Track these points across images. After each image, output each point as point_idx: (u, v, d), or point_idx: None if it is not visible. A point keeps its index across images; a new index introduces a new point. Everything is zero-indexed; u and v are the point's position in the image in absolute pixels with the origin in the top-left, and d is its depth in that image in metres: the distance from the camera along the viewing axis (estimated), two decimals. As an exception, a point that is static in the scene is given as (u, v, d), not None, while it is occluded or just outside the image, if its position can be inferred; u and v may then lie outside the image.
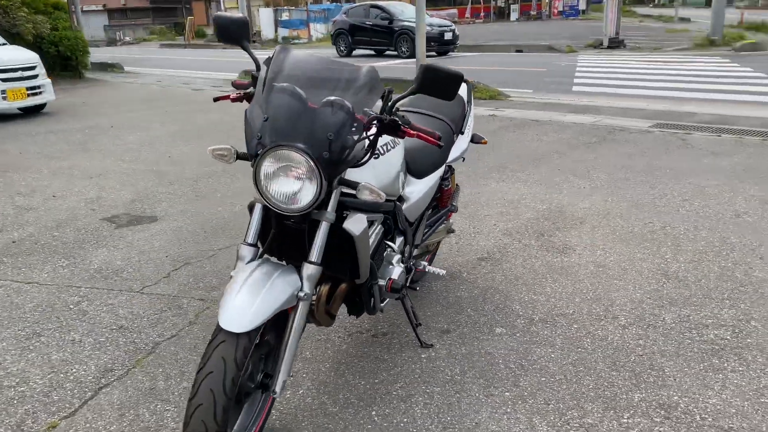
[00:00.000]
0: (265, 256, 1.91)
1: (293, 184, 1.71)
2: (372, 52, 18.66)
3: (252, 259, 1.83)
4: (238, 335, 1.62)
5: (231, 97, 2.02)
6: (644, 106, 8.03)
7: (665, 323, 2.66)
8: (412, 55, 16.90)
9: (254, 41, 24.63)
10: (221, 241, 3.76)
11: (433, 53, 16.55)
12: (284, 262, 1.89)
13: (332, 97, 1.72)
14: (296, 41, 26.07)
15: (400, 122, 1.82)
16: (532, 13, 38.17)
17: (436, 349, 2.52)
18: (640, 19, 35.71)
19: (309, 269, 1.81)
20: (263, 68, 1.81)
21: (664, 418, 2.06)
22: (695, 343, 2.50)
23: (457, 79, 1.81)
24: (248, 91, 1.99)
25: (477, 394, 2.22)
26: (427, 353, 2.50)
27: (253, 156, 1.72)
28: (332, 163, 1.70)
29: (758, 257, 3.29)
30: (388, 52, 18.02)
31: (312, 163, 1.67)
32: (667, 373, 2.31)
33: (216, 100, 2.12)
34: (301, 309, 1.80)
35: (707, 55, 14.34)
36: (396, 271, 2.24)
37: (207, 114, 8.56)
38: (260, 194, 1.75)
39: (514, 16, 38.62)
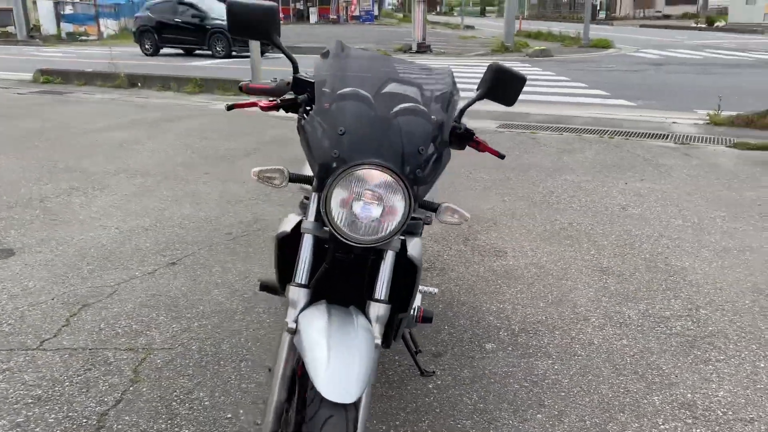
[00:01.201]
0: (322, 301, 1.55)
1: (376, 210, 1.39)
2: (181, 51, 17.48)
3: (306, 304, 1.47)
4: (346, 407, 1.28)
5: (261, 105, 1.60)
6: (481, 108, 8.47)
7: (632, 320, 2.74)
8: (228, 55, 16.20)
9: (33, 36, 21.68)
10: (115, 274, 3.13)
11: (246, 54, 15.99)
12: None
13: (410, 104, 1.44)
14: (84, 38, 23.48)
15: (474, 133, 1.59)
16: (332, 16, 38.87)
17: (438, 376, 2.31)
18: (432, 25, 38.18)
19: (378, 309, 1.50)
20: (319, 69, 1.47)
21: (693, 418, 2.09)
22: (670, 337, 2.60)
23: (522, 81, 1.64)
24: (296, 98, 1.59)
25: (511, 421, 2.06)
26: (432, 382, 2.27)
27: (323, 178, 1.38)
28: (422, 181, 1.42)
29: (666, 247, 3.57)
30: (199, 52, 16.99)
31: (402, 183, 1.37)
32: (666, 370, 2.36)
33: (231, 108, 1.67)
34: (376, 359, 1.49)
35: (508, 60, 15.72)
36: (419, 299, 1.99)
37: (13, 120, 7.26)
38: (329, 222, 1.40)
39: (313, 18, 39.02)
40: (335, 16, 38.62)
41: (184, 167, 5.22)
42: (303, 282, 1.49)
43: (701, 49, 19.17)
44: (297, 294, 1.48)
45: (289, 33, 25.33)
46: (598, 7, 45.22)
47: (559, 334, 2.62)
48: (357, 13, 40.07)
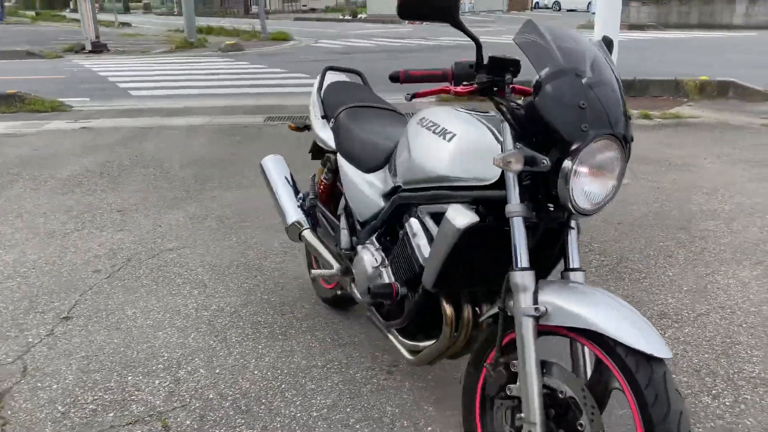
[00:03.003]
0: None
1: (609, 180, 1.45)
2: None
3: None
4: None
5: (456, 90, 1.46)
6: (224, 104, 8.22)
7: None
8: None
9: None
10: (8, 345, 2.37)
11: None
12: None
13: (615, 73, 1.50)
14: None
15: None
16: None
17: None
18: (79, 24, 34.53)
19: (577, 276, 1.57)
20: (544, 46, 1.43)
21: None
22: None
23: None
24: (494, 79, 1.51)
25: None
26: (432, 372, 2.31)
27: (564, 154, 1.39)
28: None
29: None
30: None
31: (626, 151, 1.46)
32: None
33: (412, 97, 1.46)
34: None
35: (201, 55, 15.31)
36: None
37: None
38: (569, 196, 1.41)
39: None
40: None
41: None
42: (526, 265, 1.47)
43: (369, 38, 21.38)
44: (524, 278, 1.46)
45: None
46: (250, 2, 46.44)
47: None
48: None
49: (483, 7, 41.07)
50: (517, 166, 1.42)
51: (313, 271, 2.41)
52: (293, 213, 2.57)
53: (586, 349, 1.52)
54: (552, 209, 1.55)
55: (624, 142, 1.43)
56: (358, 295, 2.22)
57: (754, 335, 2.50)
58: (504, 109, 1.52)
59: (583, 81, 1.41)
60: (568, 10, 39.12)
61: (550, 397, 1.46)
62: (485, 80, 1.54)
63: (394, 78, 1.65)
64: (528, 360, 1.44)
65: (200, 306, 2.83)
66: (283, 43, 19.43)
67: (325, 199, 2.64)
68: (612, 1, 6.29)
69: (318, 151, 2.81)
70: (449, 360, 2.00)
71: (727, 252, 3.31)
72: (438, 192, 1.71)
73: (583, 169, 1.41)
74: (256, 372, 2.32)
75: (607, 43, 1.65)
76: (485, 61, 1.56)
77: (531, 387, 1.44)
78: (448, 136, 1.69)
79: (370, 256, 2.03)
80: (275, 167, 2.78)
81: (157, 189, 4.58)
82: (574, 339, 1.46)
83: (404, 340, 2.00)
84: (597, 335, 1.37)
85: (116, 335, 2.58)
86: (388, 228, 2.06)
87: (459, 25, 1.53)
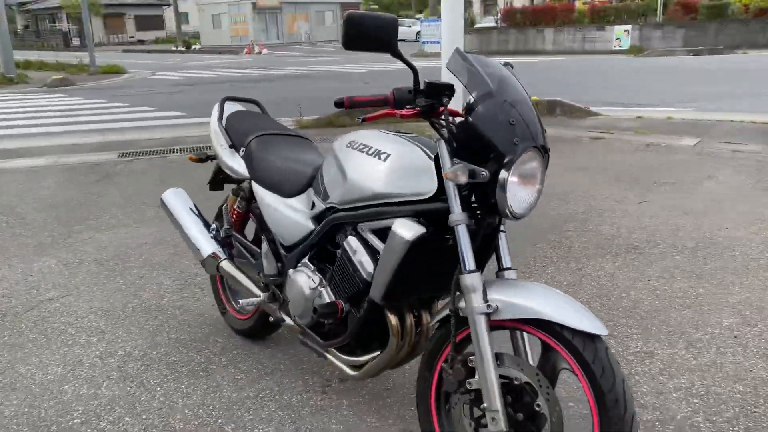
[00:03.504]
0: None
1: (536, 186, 1.65)
2: None
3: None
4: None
5: (401, 113, 1.53)
6: (67, 142, 7.67)
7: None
8: None
9: None
10: None
11: None
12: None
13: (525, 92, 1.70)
14: None
15: None
16: None
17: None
18: None
19: (512, 274, 1.75)
20: (473, 71, 1.59)
21: None
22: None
23: None
24: (432, 103, 1.62)
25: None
26: (365, 386, 2.41)
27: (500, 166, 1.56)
28: None
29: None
30: None
31: (546, 159, 1.67)
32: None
33: (363, 121, 1.52)
34: None
35: (23, 92, 14.09)
36: None
37: None
38: (505, 204, 1.59)
39: None
40: None
41: None
42: (473, 267, 1.62)
43: (209, 69, 20.95)
44: (473, 279, 1.60)
45: None
46: (70, 34, 43.47)
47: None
48: None
49: (319, 38, 42.01)
50: (464, 179, 1.58)
51: (241, 300, 2.38)
52: (208, 245, 2.53)
53: (527, 338, 1.70)
54: (485, 216, 1.72)
55: (544, 152, 1.64)
56: (289, 320, 2.25)
57: (630, 316, 2.88)
58: (442, 128, 1.68)
59: (508, 101, 1.61)
60: (399, 40, 41.17)
61: (506, 385, 1.61)
62: (425, 104, 1.68)
63: (339, 104, 1.74)
64: (485, 354, 1.58)
65: (104, 353, 2.65)
66: (117, 77, 18.49)
67: (240, 228, 2.62)
68: (454, 35, 6.84)
69: (218, 182, 2.79)
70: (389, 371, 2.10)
71: (590, 248, 3.75)
72: (379, 209, 1.81)
73: (515, 179, 1.60)
74: (186, 411, 2.24)
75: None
76: (422, 86, 1.70)
77: (490, 378, 1.58)
78: (383, 156, 1.81)
79: (305, 278, 2.07)
80: (178, 201, 2.71)
81: (15, 237, 4.18)
82: (522, 329, 1.63)
83: (345, 357, 2.06)
84: (544, 323, 1.54)
85: (14, 396, 2.35)
86: (319, 249, 2.12)
87: (398, 55, 1.67)
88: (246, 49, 32.39)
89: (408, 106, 1.70)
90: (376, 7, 64.61)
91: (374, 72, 18.00)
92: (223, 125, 2.62)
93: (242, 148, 2.48)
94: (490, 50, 25.82)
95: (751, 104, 9.40)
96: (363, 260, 1.87)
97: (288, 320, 2.25)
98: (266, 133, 2.50)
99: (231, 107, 2.74)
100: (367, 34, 1.61)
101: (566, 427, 1.59)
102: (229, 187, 2.77)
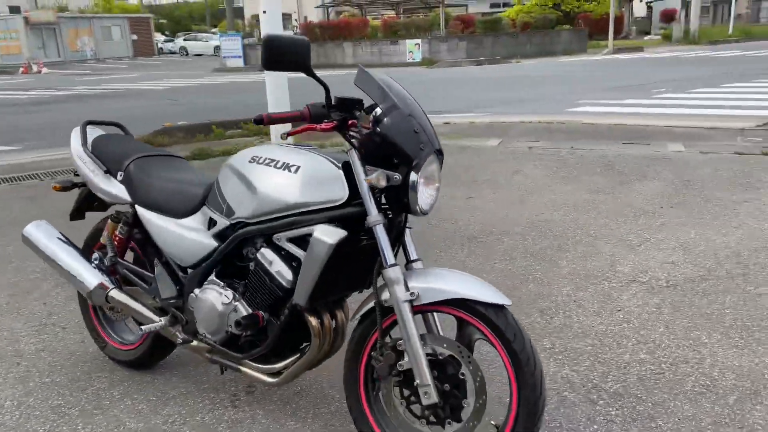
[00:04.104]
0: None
1: (435, 185, 1.88)
2: None
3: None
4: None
5: (321, 127, 1.64)
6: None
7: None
8: None
9: None
10: None
11: None
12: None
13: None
14: None
15: None
16: None
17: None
18: None
19: (419, 264, 1.97)
20: (379, 87, 1.76)
21: None
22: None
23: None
24: (346, 117, 1.75)
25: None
26: (275, 393, 2.52)
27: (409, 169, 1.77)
28: None
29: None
30: None
31: (441, 163, 1.91)
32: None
33: (286, 136, 1.60)
34: None
35: None
36: None
37: None
38: (416, 203, 1.80)
39: None
40: None
41: None
42: (393, 262, 1.81)
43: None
44: (395, 272, 1.80)
45: None
46: None
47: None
48: None
49: (106, 54, 39.18)
50: (383, 182, 1.77)
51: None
52: (92, 276, 2.41)
53: (437, 318, 1.94)
54: (395, 216, 1.92)
55: (439, 155, 1.89)
56: (194, 341, 2.24)
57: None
58: (353, 139, 1.85)
59: (410, 112, 1.83)
60: (195, 55, 40.01)
61: (432, 361, 1.83)
62: (339, 117, 1.84)
63: (258, 121, 1.83)
64: (412, 336, 1.79)
65: (-30, 411, 2.39)
66: None
67: (123, 255, 2.53)
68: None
69: (82, 211, 2.67)
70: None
71: (440, 241, 4.14)
72: (295, 219, 1.92)
73: (422, 179, 1.83)
74: (93, 451, 2.13)
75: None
76: (333, 102, 1.86)
77: (419, 357, 1.79)
78: (293, 169, 1.93)
79: (216, 295, 2.10)
80: (45, 234, 2.54)
81: None
82: (439, 311, 1.86)
83: (262, 366, 2.13)
84: (458, 301, 1.79)
85: None
86: (225, 265, 2.16)
87: (311, 73, 1.81)
88: (22, 68, 29.20)
89: (326, 121, 1.84)
90: (165, 21, 61.94)
91: (177, 88, 17.38)
92: (89, 151, 2.52)
93: (119, 173, 2.41)
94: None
95: (534, 107, 10.78)
96: (281, 269, 1.97)
97: (194, 339, 2.25)
98: (143, 156, 2.45)
99: (91, 132, 2.63)
100: (284, 56, 1.73)
101: (488, 388, 1.84)
102: (91, 216, 2.67)
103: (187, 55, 41.29)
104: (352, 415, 2.01)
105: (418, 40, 25.15)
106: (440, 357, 1.83)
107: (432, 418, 1.85)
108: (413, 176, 1.79)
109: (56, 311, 3.28)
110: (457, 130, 8.69)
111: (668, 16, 38.30)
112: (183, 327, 2.29)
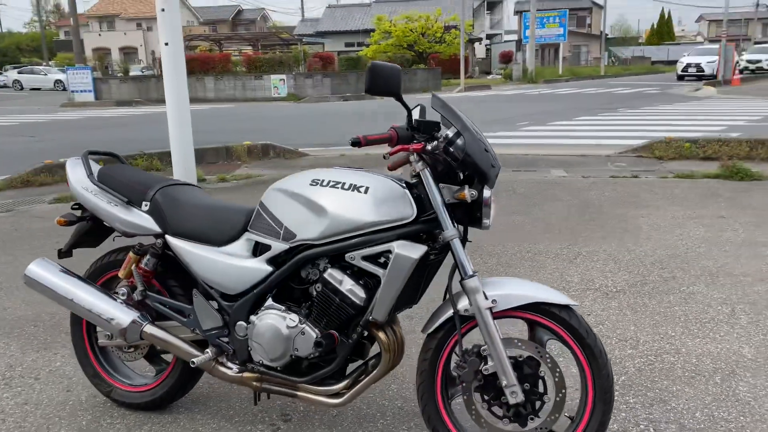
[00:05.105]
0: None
1: (496, 204, 2.04)
2: None
3: None
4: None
5: (413, 147, 1.75)
6: None
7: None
8: None
9: None
10: None
11: None
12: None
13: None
14: None
15: None
16: None
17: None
18: None
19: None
20: (449, 113, 1.91)
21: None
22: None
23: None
24: (432, 135, 1.91)
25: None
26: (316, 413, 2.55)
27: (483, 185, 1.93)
28: None
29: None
30: None
31: None
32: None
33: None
34: None
35: None
36: None
37: None
38: (487, 216, 1.95)
39: None
40: None
41: None
42: (471, 272, 1.94)
43: None
44: (475, 282, 1.94)
45: None
46: None
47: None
48: None
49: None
50: (470, 198, 1.90)
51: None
52: (123, 313, 2.25)
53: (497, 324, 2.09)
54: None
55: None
56: (241, 371, 2.19)
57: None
58: (428, 157, 1.96)
59: (477, 135, 1.99)
60: (32, 89, 36.86)
61: (514, 363, 1.97)
62: (424, 138, 1.96)
63: (356, 143, 1.89)
64: (495, 341, 1.93)
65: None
66: None
67: (161, 287, 2.38)
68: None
69: (76, 246, 2.51)
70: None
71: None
72: (368, 237, 1.99)
73: (493, 195, 1.99)
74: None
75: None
76: (414, 124, 1.97)
77: (503, 360, 1.93)
78: (362, 189, 2.01)
79: (279, 320, 2.08)
80: (52, 273, 2.35)
81: None
82: (513, 316, 2.01)
83: (320, 388, 2.13)
84: (532, 305, 1.96)
85: None
86: (281, 289, 2.15)
87: (401, 99, 1.92)
88: None
89: (415, 141, 1.95)
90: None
91: (30, 124, 15.96)
92: (97, 181, 2.38)
93: (144, 203, 2.31)
94: (151, 98, 25.12)
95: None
96: (352, 287, 2.02)
97: (241, 371, 2.19)
98: (167, 185, 2.37)
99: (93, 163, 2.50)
100: (384, 82, 1.83)
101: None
102: (78, 253, 2.52)
103: (21, 89, 37.85)
104: (429, 425, 2.08)
105: (283, 76, 25.28)
106: (519, 358, 1.98)
107: (514, 417, 1.98)
108: (487, 192, 1.95)
109: (15, 363, 2.96)
110: (354, 161, 8.88)
111: (507, 57, 41.98)
112: (228, 357, 2.23)
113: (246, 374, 2.20)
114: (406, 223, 1.98)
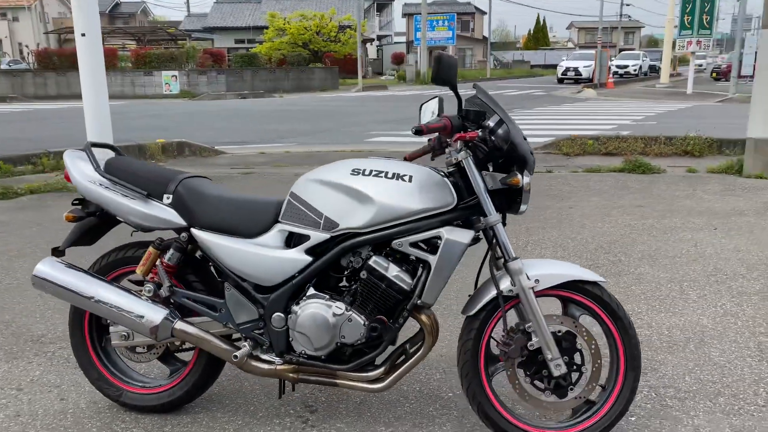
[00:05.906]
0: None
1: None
2: None
3: None
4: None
5: (470, 135, 1.79)
6: None
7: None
8: None
9: None
10: None
11: None
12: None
13: None
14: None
15: None
16: None
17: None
18: None
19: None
20: (491, 102, 2.00)
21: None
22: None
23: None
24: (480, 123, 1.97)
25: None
26: (343, 401, 2.57)
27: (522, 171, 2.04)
28: None
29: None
30: None
31: None
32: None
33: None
34: None
35: None
36: None
37: None
38: (526, 201, 2.07)
39: None
40: None
41: None
42: (514, 255, 2.06)
43: None
44: (519, 264, 2.06)
45: None
46: None
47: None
48: None
49: None
50: (522, 182, 2.01)
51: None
52: (152, 311, 2.14)
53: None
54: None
55: None
56: (279, 363, 2.17)
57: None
58: (474, 145, 2.05)
59: (515, 124, 2.11)
60: None
61: (554, 338, 2.10)
62: (475, 126, 2.04)
63: (419, 131, 1.93)
64: (539, 318, 2.05)
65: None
66: None
67: (177, 283, 2.27)
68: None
69: (76, 243, 2.37)
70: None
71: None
72: (413, 225, 2.04)
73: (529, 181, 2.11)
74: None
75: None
76: (463, 113, 2.06)
77: (548, 335, 2.06)
78: (406, 178, 2.06)
79: (325, 308, 2.08)
80: (65, 272, 2.19)
81: None
82: (551, 294, 2.14)
83: (360, 374, 2.16)
84: (567, 284, 2.10)
85: None
86: (320, 278, 2.15)
87: (454, 88, 1.98)
88: None
89: (470, 129, 2.03)
90: None
91: None
92: (106, 174, 2.25)
93: (166, 196, 2.21)
94: (27, 94, 23.25)
95: (331, 137, 11.36)
96: (399, 273, 2.07)
97: (276, 364, 2.17)
98: (188, 176, 2.28)
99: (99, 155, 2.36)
100: (446, 72, 1.89)
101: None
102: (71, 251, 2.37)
103: None
104: (474, 402, 2.16)
105: (175, 72, 24.30)
106: (558, 333, 2.12)
107: (555, 389, 2.11)
108: (526, 178, 2.06)
109: (8, 376, 2.72)
110: (275, 159, 8.81)
111: (398, 59, 42.82)
112: (263, 350, 2.19)
113: (281, 366, 2.17)
114: (446, 210, 2.05)
